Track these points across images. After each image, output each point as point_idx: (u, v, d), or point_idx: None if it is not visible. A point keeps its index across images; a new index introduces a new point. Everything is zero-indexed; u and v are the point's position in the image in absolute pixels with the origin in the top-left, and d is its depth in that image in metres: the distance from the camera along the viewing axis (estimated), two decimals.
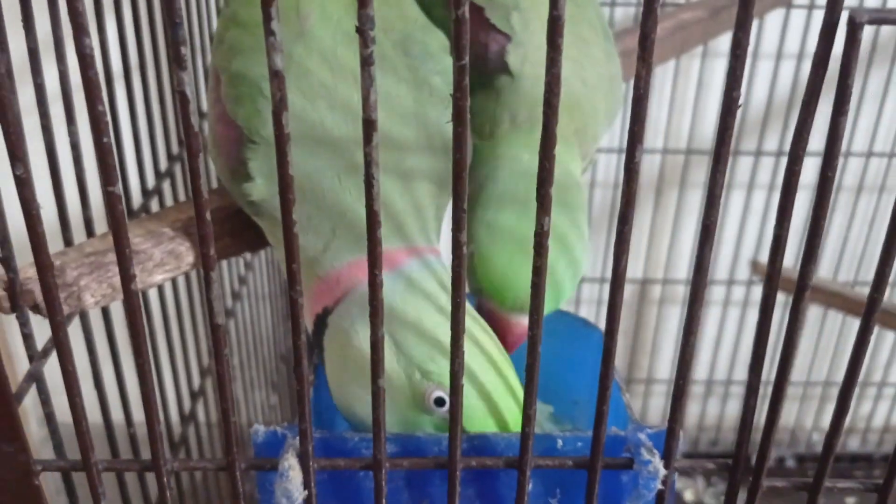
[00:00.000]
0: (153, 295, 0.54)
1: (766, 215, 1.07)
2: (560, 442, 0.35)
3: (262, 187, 0.39)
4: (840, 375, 1.19)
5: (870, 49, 0.99)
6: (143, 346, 0.31)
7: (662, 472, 0.34)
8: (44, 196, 0.33)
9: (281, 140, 0.26)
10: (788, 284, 1.07)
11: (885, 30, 1.00)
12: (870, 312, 0.31)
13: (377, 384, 0.31)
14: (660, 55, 0.71)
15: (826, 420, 1.23)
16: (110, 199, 0.28)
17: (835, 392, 1.20)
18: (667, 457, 0.34)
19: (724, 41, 0.99)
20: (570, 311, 0.52)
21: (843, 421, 0.32)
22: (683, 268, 1.13)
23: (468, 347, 0.33)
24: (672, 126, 1.03)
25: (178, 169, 0.58)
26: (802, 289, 0.30)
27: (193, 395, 0.62)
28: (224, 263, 0.68)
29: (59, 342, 0.31)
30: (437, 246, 0.41)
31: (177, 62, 0.26)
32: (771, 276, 0.30)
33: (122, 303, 0.47)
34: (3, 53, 0.26)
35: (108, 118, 0.27)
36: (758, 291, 1.13)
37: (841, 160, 1.06)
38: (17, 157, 0.27)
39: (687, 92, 1.02)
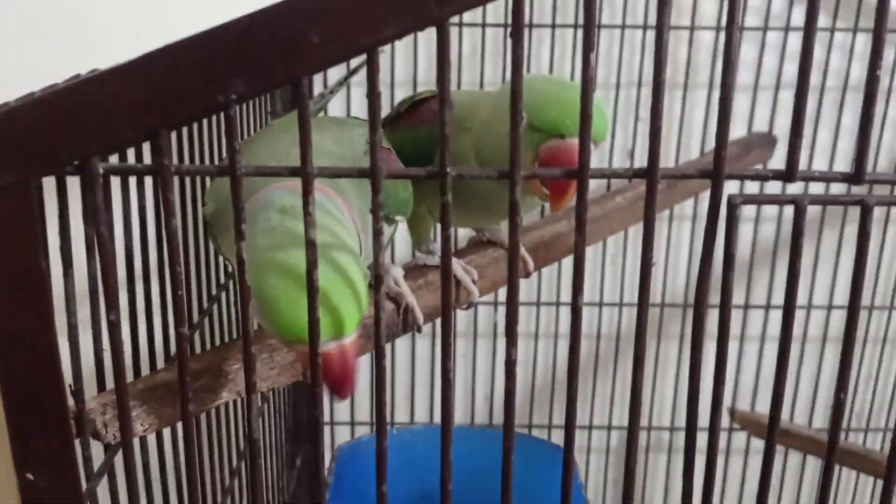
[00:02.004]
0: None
1: (739, 364, 1.15)
2: None
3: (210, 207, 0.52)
4: None
5: (820, 211, 1.11)
6: (193, 455, 0.38)
7: None
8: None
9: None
10: (760, 429, 1.12)
11: None
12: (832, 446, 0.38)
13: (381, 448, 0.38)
14: (626, 221, 0.82)
15: None
16: (179, 338, 0.36)
17: None
18: None
19: (688, 206, 1.11)
20: (545, 440, 0.59)
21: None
22: (667, 416, 1.19)
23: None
24: None
25: (215, 308, 0.67)
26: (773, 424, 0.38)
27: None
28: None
29: (127, 458, 0.38)
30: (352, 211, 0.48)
31: (239, 236, 0.35)
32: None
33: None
34: (104, 225, 0.35)
35: (183, 277, 0.36)
36: (738, 438, 1.18)
37: (804, 312, 1.15)
38: (112, 305, 0.36)
39: (658, 253, 1.13)
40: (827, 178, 0.35)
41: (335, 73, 1.02)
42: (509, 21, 1.00)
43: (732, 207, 0.35)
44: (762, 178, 0.35)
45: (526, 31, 1.02)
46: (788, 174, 0.34)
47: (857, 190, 0.36)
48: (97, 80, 0.33)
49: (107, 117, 0.34)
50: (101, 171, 0.35)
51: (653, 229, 0.35)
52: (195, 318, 0.65)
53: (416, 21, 0.33)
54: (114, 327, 0.36)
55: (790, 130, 0.34)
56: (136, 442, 0.52)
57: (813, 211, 1.12)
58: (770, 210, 1.12)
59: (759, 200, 0.36)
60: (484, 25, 1.02)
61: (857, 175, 0.35)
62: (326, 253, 0.41)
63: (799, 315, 1.15)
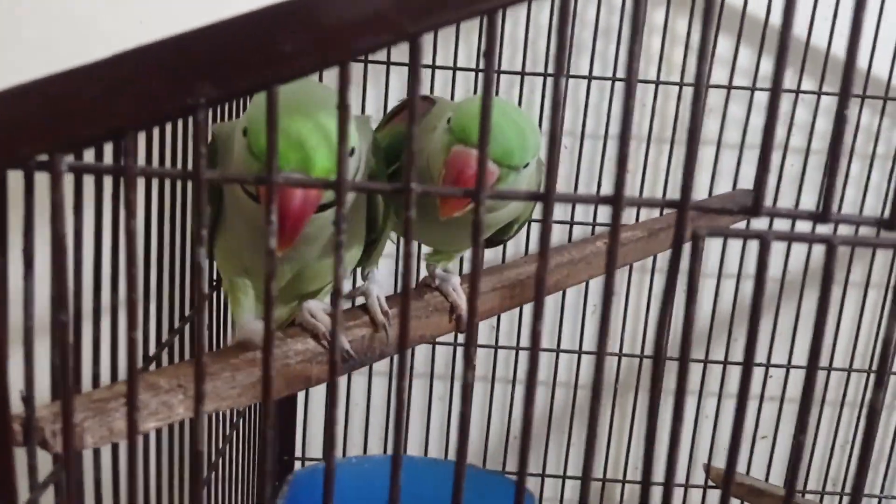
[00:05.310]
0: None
1: (717, 421, 1.14)
2: None
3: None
4: None
5: (801, 277, 1.11)
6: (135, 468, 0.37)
7: None
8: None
9: None
10: (741, 489, 1.10)
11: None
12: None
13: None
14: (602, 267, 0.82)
15: None
16: (130, 344, 0.35)
17: None
18: None
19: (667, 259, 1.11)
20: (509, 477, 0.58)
21: None
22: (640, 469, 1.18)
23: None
24: (627, 332, 1.13)
25: (187, 328, 0.66)
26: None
27: None
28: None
29: (69, 469, 0.37)
30: None
31: (198, 241, 0.34)
32: None
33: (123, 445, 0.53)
34: (62, 224, 0.35)
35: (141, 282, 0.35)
36: (713, 495, 1.16)
37: (782, 371, 1.14)
38: (62, 305, 0.35)
39: (640, 302, 1.13)
40: (793, 214, 0.35)
41: None
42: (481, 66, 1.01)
43: (696, 239, 0.35)
44: (727, 212, 0.35)
45: (516, 77, 1.03)
46: (755, 209, 0.34)
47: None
48: (67, 75, 0.33)
49: (75, 113, 0.33)
50: (66, 168, 0.34)
51: (615, 257, 0.35)
52: (164, 336, 0.64)
53: (390, 36, 0.33)
54: (63, 328, 0.35)
55: (757, 165, 0.34)
56: (87, 455, 0.51)
57: (795, 272, 1.12)
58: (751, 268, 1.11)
59: (724, 233, 0.36)
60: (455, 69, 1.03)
61: (824, 213, 0.34)
62: (319, 108, 0.46)
63: (778, 374, 1.15)
